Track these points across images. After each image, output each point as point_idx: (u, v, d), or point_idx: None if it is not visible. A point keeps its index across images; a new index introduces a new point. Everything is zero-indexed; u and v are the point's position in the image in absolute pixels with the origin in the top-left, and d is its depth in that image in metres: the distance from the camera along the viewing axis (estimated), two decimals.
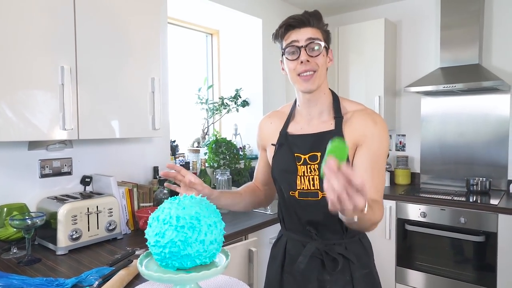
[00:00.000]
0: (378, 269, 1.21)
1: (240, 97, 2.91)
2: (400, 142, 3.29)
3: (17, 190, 1.64)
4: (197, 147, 2.79)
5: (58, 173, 1.77)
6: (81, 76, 1.51)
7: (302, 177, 1.11)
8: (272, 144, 1.19)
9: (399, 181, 3.12)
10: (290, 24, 1.07)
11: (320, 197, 1.09)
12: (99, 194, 1.74)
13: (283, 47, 1.10)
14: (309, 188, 1.10)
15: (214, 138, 2.65)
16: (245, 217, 2.05)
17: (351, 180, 0.70)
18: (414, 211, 2.62)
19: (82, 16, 1.51)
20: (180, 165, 2.25)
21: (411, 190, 2.88)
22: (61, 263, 1.40)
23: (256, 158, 2.22)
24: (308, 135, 1.13)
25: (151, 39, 1.78)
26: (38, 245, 1.60)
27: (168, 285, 0.95)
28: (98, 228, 1.60)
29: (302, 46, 1.05)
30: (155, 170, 2.15)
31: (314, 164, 1.09)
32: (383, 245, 2.73)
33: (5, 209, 1.51)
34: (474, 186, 2.73)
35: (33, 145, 1.68)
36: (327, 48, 1.10)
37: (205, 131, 2.91)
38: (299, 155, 1.12)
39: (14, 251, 1.48)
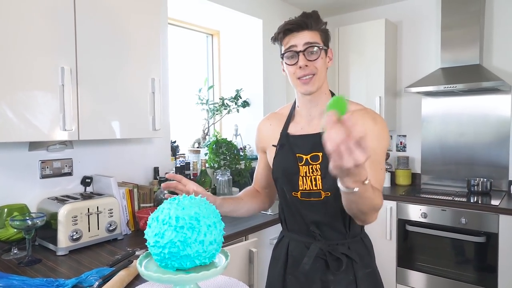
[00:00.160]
0: (379, 270, 1.21)
1: (241, 98, 2.92)
2: (401, 143, 3.29)
3: (18, 191, 1.65)
4: (197, 147, 2.79)
5: (58, 173, 1.78)
6: (82, 76, 1.51)
7: (304, 177, 1.11)
8: (273, 145, 1.19)
9: (400, 181, 3.12)
10: (287, 29, 1.08)
11: (323, 197, 1.09)
12: (100, 194, 1.74)
13: (282, 51, 1.11)
14: (311, 188, 1.10)
15: (215, 139, 2.65)
16: (245, 217, 2.04)
17: (351, 132, 0.67)
18: (415, 212, 2.61)
19: (82, 17, 1.51)
20: (181, 165, 2.25)
21: (412, 191, 2.87)
22: (62, 264, 1.40)
23: (256, 158, 2.23)
24: (309, 135, 1.13)
25: (151, 40, 1.78)
26: (39, 245, 1.60)
27: (168, 286, 0.95)
28: (98, 229, 1.60)
29: (300, 51, 1.06)
30: (156, 170, 2.15)
31: (316, 164, 1.09)
32: (384, 246, 2.72)
33: (6, 209, 1.52)
34: (475, 187, 2.73)
35: (33, 145, 1.68)
36: (326, 49, 1.10)
37: (206, 131, 2.91)
38: (301, 155, 1.12)
39: (15, 251, 1.48)
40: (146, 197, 1.96)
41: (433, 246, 2.56)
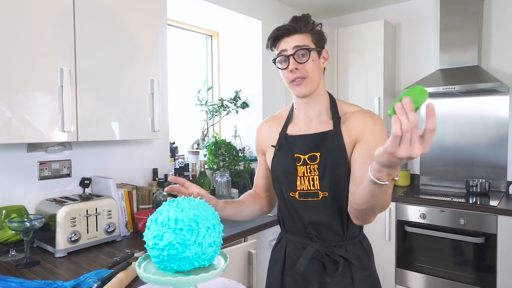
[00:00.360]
0: (378, 271, 1.21)
1: (240, 99, 2.92)
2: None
3: (16, 192, 1.64)
4: (196, 149, 2.79)
5: (57, 175, 1.77)
6: (81, 78, 1.51)
7: (302, 177, 1.12)
8: (272, 146, 1.20)
9: (399, 182, 3.12)
10: (277, 35, 1.10)
11: (320, 197, 1.10)
12: (98, 196, 1.74)
13: (274, 56, 1.13)
14: (309, 188, 1.11)
15: (214, 140, 2.65)
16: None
17: (417, 125, 0.66)
18: (414, 213, 2.61)
19: (81, 19, 1.51)
20: (180, 166, 2.25)
21: (411, 192, 2.87)
22: (60, 266, 1.40)
23: (255, 160, 2.22)
24: (307, 135, 1.14)
25: (150, 41, 1.78)
26: (37, 247, 1.59)
27: None
28: (97, 230, 1.60)
29: (290, 55, 1.07)
30: (155, 172, 2.15)
31: (313, 164, 1.10)
32: (383, 247, 2.72)
33: (4, 211, 1.51)
34: (474, 188, 2.73)
35: (32, 147, 1.67)
36: (319, 50, 1.11)
37: (205, 132, 2.91)
38: (299, 155, 1.12)
39: (13, 253, 1.48)
40: (145, 198, 1.95)
41: (432, 247, 2.56)
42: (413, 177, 3.18)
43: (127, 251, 1.53)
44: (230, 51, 3.06)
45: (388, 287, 2.70)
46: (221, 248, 0.83)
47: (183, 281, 0.74)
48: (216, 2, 2.54)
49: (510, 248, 2.25)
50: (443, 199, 2.58)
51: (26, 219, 1.41)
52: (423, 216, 2.57)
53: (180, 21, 2.78)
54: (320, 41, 1.12)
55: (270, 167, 1.21)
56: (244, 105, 2.97)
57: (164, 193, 1.99)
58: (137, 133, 1.76)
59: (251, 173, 2.67)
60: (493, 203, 2.42)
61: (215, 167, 2.56)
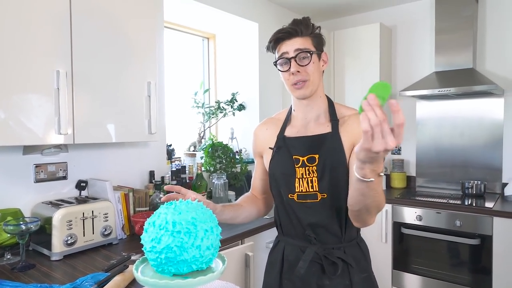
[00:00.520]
0: (374, 273, 1.21)
1: (237, 101, 2.92)
2: (396, 146, 3.30)
3: (12, 195, 1.63)
4: (193, 151, 2.78)
5: (53, 177, 1.76)
6: (77, 80, 1.50)
7: (300, 179, 1.12)
8: (270, 148, 1.20)
9: (395, 184, 3.13)
10: (279, 37, 1.11)
11: (319, 198, 1.10)
12: (95, 198, 1.73)
13: (275, 59, 1.14)
14: (307, 190, 1.11)
15: (211, 142, 2.65)
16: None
17: (386, 119, 0.69)
18: (410, 215, 2.62)
19: (78, 21, 1.50)
20: (176, 169, 2.24)
21: (407, 194, 2.89)
22: (56, 269, 1.39)
23: (252, 162, 2.21)
24: (305, 137, 1.14)
25: (147, 43, 1.78)
26: (33, 250, 1.58)
27: None
28: (93, 233, 1.59)
29: (291, 58, 1.08)
30: (151, 174, 2.14)
31: (312, 166, 1.10)
32: (379, 249, 2.73)
33: None
34: (469, 189, 2.75)
35: (28, 149, 1.66)
36: (319, 53, 1.12)
37: (201, 135, 2.91)
38: (297, 157, 1.13)
39: (8, 257, 1.46)
40: (142, 201, 1.95)
41: (428, 248, 2.57)
42: (409, 179, 3.19)
43: (123, 254, 1.53)
44: (227, 53, 3.07)
45: None
46: (218, 251, 0.83)
47: (181, 284, 0.74)
48: (213, 4, 2.55)
49: (505, 249, 2.27)
50: (439, 201, 2.59)
51: (21, 222, 1.40)
52: (419, 218, 2.58)
53: (177, 23, 2.78)
54: (319, 44, 1.13)
55: (268, 169, 1.21)
56: (241, 107, 2.97)
57: (161, 196, 1.99)
58: (134, 135, 1.76)
59: (248, 175, 2.67)
60: (489, 204, 2.43)
61: (212, 169, 2.55)
